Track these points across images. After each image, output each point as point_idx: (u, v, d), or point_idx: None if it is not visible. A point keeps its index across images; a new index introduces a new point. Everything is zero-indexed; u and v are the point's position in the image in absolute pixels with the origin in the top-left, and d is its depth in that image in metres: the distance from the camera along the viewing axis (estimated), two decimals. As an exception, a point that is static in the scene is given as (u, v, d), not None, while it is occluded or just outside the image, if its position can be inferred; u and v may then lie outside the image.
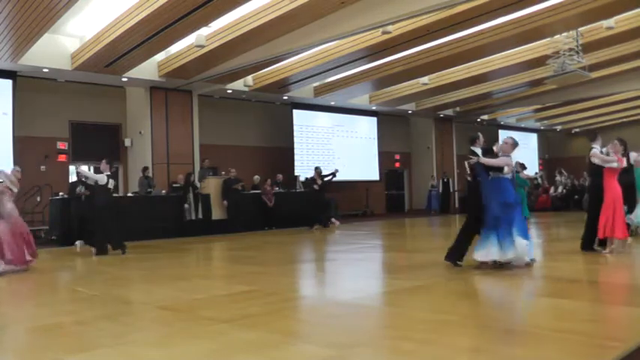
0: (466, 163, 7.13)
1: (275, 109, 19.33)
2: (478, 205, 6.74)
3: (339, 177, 19.65)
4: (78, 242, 11.33)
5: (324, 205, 15.45)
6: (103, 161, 9.70)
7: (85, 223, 10.83)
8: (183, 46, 13.11)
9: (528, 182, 14.24)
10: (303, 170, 18.63)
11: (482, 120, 25.14)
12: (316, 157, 19.63)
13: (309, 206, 15.14)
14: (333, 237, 12.73)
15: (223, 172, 15.12)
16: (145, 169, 14.16)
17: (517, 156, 24.07)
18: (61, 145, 15.29)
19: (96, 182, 9.59)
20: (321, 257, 9.14)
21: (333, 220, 15.31)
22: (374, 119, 21.58)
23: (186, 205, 13.59)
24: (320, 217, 14.93)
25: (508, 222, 6.47)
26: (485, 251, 6.54)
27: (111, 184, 9.60)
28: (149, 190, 13.72)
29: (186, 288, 6.24)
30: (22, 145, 13.68)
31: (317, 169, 15.46)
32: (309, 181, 15.49)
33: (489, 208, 6.57)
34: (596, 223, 7.48)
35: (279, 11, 10.64)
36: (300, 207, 15.95)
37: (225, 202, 14.28)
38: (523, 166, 13.45)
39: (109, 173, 9.60)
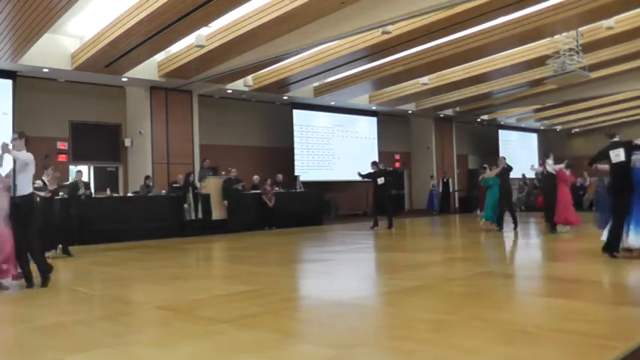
0: (616, 152, 7.21)
1: (275, 109, 19.33)
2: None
3: (339, 177, 19.74)
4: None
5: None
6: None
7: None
8: (183, 46, 13.11)
9: (499, 180, 12.46)
10: (303, 170, 18.65)
11: (483, 120, 25.15)
12: (316, 157, 19.65)
13: (383, 200, 14.27)
14: (333, 237, 12.72)
15: (223, 172, 15.12)
16: (147, 177, 14.16)
17: (517, 156, 23.95)
18: (61, 145, 15.29)
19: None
20: (321, 257, 9.14)
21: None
22: (374, 119, 21.58)
23: (186, 205, 13.59)
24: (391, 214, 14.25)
25: None
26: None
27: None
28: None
29: (186, 288, 6.24)
30: (22, 145, 13.67)
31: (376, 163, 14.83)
32: (387, 172, 14.40)
33: None
34: None
35: (279, 11, 10.64)
36: (300, 207, 15.98)
37: (225, 202, 14.28)
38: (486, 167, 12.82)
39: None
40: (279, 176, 16.50)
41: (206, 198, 14.11)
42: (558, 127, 28.25)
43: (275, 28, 11.41)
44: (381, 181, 14.22)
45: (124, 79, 14.35)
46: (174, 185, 14.23)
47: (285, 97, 18.11)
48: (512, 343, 3.59)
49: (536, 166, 16.43)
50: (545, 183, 12.22)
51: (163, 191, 14.26)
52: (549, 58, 14.21)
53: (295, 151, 18.94)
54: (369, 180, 14.63)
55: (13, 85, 13.30)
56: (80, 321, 4.66)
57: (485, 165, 13.64)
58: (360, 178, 14.66)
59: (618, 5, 11.43)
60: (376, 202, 14.59)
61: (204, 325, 4.29)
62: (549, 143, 29.78)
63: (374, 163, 14.66)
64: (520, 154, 26.40)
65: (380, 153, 21.60)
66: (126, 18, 10.78)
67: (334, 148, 20.24)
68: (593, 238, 10.90)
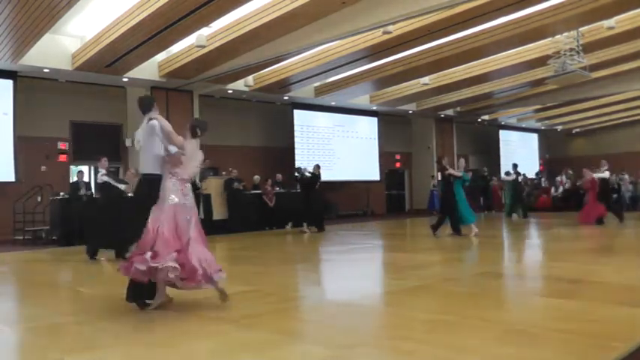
0: None
1: (276, 109, 19.33)
2: None
3: (340, 177, 19.71)
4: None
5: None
6: (104, 160, 9.50)
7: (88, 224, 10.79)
8: (183, 47, 13.11)
9: (468, 177, 11.58)
10: (303, 170, 18.65)
11: (483, 120, 25.14)
12: (317, 158, 19.61)
13: (318, 206, 13.87)
14: (333, 237, 12.72)
15: (224, 173, 15.11)
16: None
17: (518, 156, 24.08)
18: (62, 145, 15.29)
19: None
20: (321, 257, 9.14)
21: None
22: (374, 119, 21.58)
23: (187, 205, 13.58)
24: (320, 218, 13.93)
25: None
26: None
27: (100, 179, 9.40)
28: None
29: (187, 288, 6.23)
30: (22, 145, 13.69)
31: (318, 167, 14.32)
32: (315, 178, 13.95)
33: None
34: None
35: (280, 11, 10.64)
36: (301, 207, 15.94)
37: (225, 194, 14.31)
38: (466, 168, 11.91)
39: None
40: (279, 176, 16.51)
41: (207, 198, 14.12)
42: (559, 127, 28.23)
43: (276, 29, 11.41)
44: (317, 186, 13.86)
45: (125, 79, 14.35)
46: (175, 185, 14.20)
47: (286, 97, 18.11)
48: (511, 343, 3.59)
49: (504, 175, 16.99)
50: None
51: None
52: (550, 58, 14.21)
53: (296, 152, 18.93)
54: (302, 180, 13.93)
55: (13, 85, 13.32)
56: (80, 321, 4.66)
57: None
58: (302, 176, 13.98)
59: (619, 5, 11.43)
60: (312, 207, 13.70)
61: (204, 325, 4.30)
62: (550, 144, 29.82)
63: (318, 167, 14.15)
64: (521, 154, 26.39)
65: (381, 153, 21.63)
66: (127, 18, 10.78)
67: (335, 148, 20.24)
68: (593, 238, 10.93)
